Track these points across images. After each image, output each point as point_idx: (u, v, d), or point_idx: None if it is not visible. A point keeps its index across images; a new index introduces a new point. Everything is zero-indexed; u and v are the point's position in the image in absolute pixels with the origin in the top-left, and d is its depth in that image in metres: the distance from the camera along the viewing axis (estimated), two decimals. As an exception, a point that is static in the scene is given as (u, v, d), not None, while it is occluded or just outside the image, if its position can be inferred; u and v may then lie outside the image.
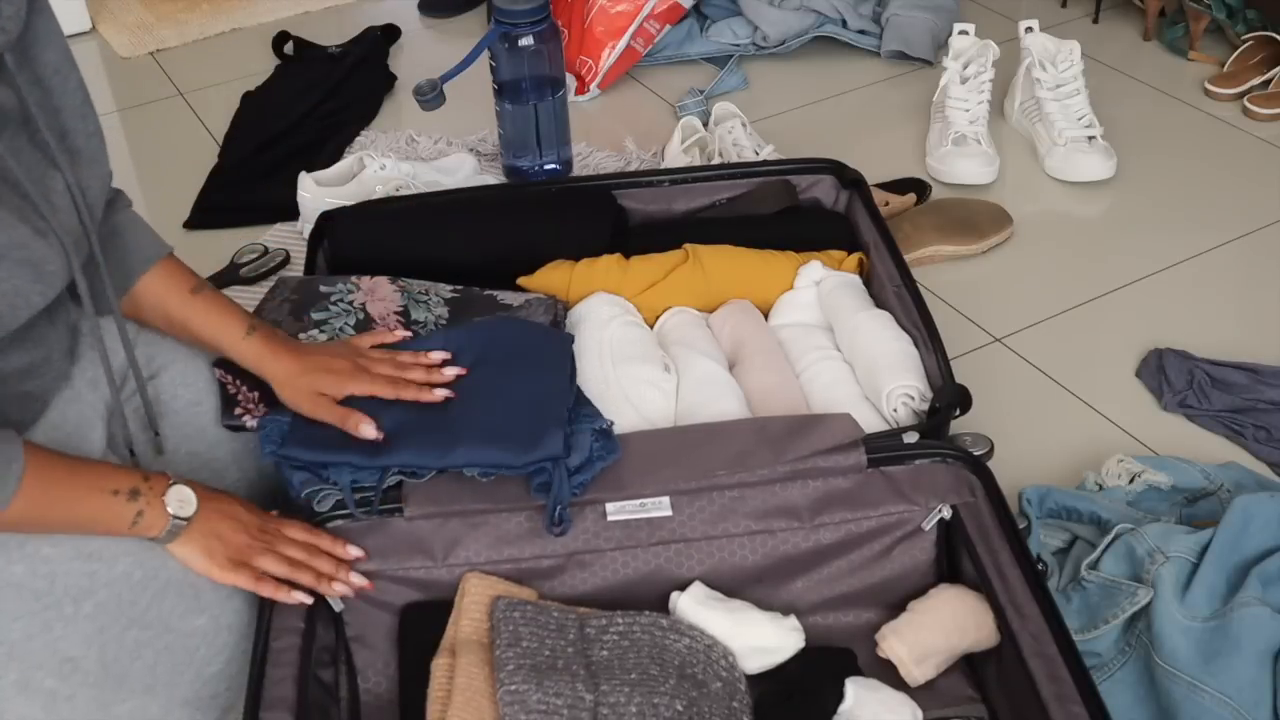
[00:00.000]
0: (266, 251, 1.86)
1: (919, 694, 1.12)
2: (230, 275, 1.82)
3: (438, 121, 2.10)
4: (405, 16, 2.59)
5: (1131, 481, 1.38)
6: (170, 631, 1.03)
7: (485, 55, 1.88)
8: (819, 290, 1.48)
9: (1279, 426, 1.48)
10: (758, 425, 1.22)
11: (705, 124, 2.05)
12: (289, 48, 2.47)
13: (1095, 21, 2.46)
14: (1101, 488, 1.39)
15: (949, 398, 1.27)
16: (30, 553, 0.97)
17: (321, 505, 1.14)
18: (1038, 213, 1.92)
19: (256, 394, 1.20)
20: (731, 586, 1.19)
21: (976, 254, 1.83)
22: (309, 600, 1.08)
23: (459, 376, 1.21)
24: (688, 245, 1.50)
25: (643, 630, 1.11)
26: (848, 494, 1.20)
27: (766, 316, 1.48)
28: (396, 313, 1.34)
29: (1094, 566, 1.23)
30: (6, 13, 0.90)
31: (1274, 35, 2.15)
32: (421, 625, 1.14)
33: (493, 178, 1.98)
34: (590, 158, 2.07)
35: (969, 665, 1.17)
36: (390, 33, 2.49)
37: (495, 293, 1.42)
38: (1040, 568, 1.14)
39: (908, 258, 1.59)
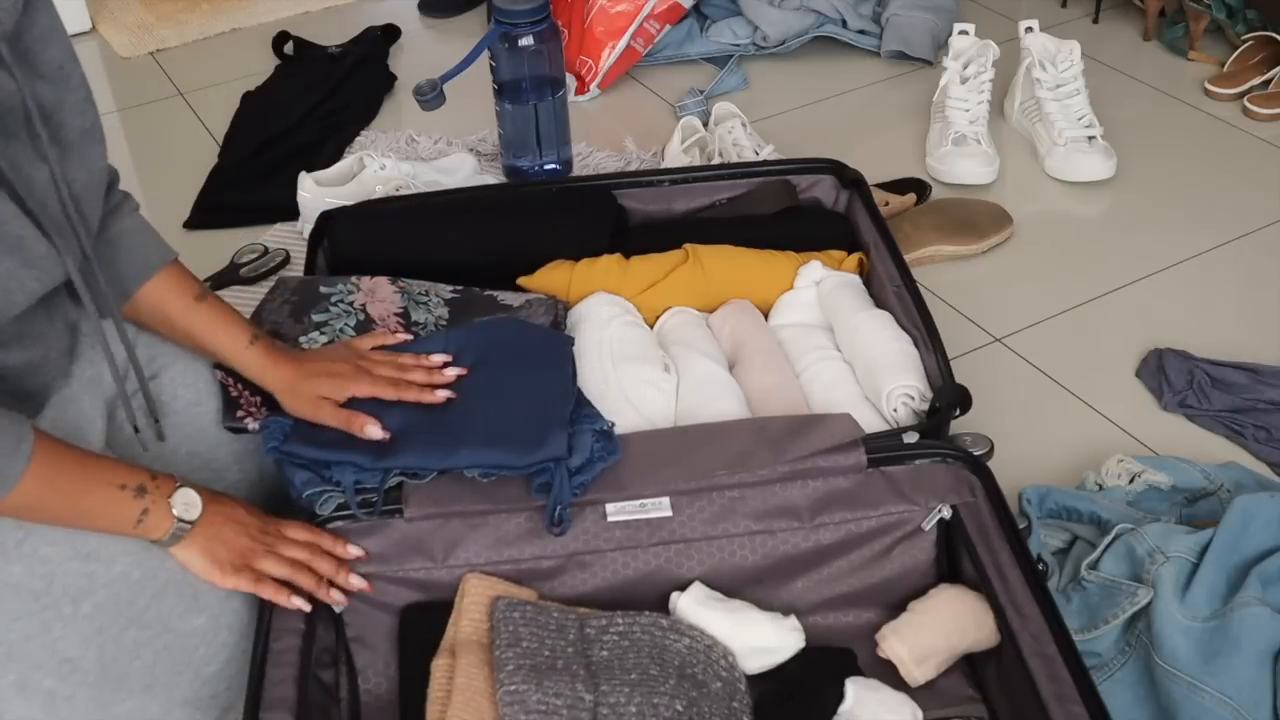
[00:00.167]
0: (266, 251, 1.86)
1: (919, 694, 1.12)
2: (230, 275, 1.82)
3: (438, 121, 2.10)
4: (405, 16, 2.59)
5: (1131, 481, 1.38)
6: (169, 631, 1.03)
7: (485, 55, 1.88)
8: (819, 290, 1.48)
9: (1279, 426, 1.48)
10: (758, 425, 1.22)
11: (705, 124, 2.05)
12: (289, 48, 2.47)
13: (1095, 21, 2.46)
14: (1101, 488, 1.39)
15: (949, 398, 1.27)
16: (28, 553, 0.97)
17: (324, 508, 1.14)
18: (1038, 213, 1.92)
19: (259, 397, 1.20)
20: (731, 587, 1.19)
21: (976, 254, 1.83)
22: (307, 608, 1.08)
23: (460, 377, 1.21)
24: (688, 245, 1.51)
25: (643, 630, 1.11)
26: (848, 494, 1.20)
27: (766, 316, 1.48)
28: (396, 314, 1.34)
29: (1094, 566, 1.23)
30: (3, 3, 0.90)
31: (1274, 35, 2.15)
32: (421, 626, 1.14)
33: (493, 178, 1.98)
34: (590, 158, 2.07)
35: (969, 665, 1.17)
36: (390, 33, 2.49)
37: (495, 293, 1.42)
38: (1040, 568, 1.14)
39: (908, 258, 1.59)
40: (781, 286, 1.49)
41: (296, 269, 1.82)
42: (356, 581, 1.12)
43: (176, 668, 1.03)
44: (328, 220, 1.55)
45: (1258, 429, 1.48)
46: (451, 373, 1.21)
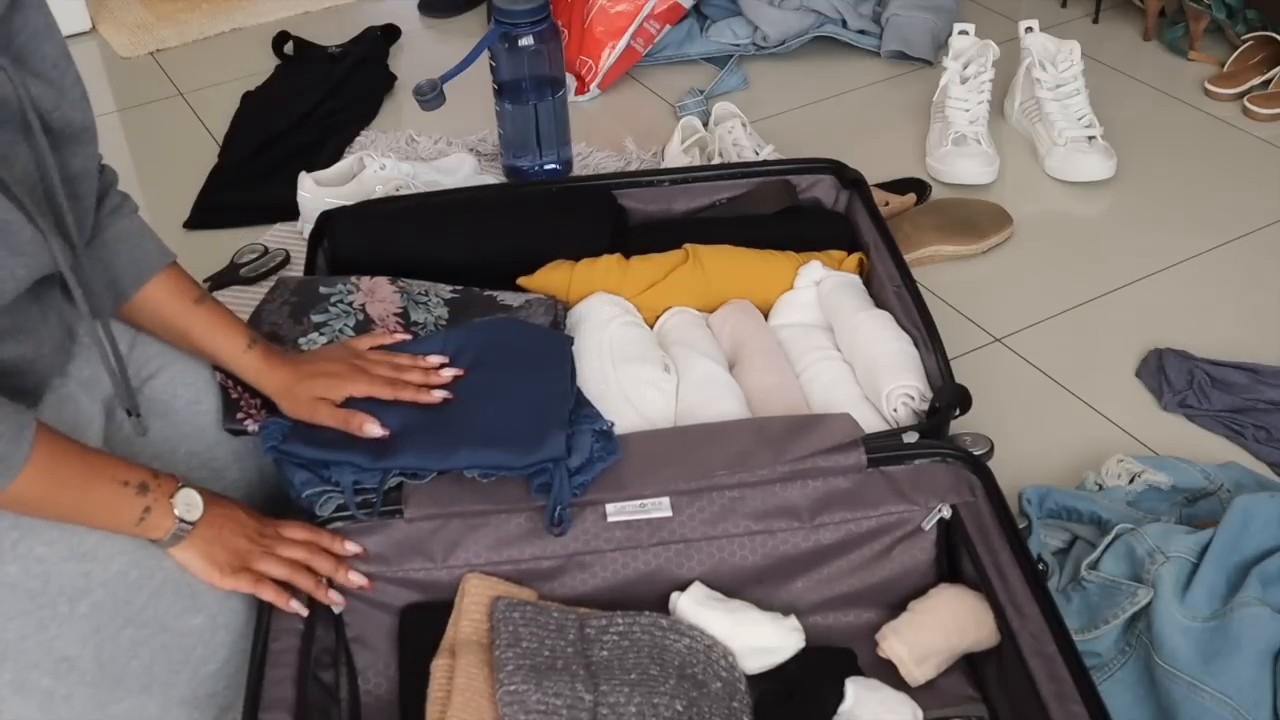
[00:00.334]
0: (266, 251, 1.86)
1: (919, 694, 1.12)
2: (230, 275, 1.82)
3: (438, 121, 2.10)
4: (405, 16, 2.59)
5: (1131, 481, 1.38)
6: (166, 631, 1.03)
7: (485, 55, 1.88)
8: (819, 290, 1.48)
9: (1279, 426, 1.48)
10: (758, 425, 1.22)
11: (705, 124, 2.05)
12: (289, 48, 2.47)
13: (1095, 21, 2.46)
14: (1101, 488, 1.39)
15: (949, 398, 1.27)
16: (24, 553, 0.97)
17: (323, 509, 1.14)
18: (1038, 213, 1.92)
19: (258, 399, 1.20)
20: (731, 586, 1.19)
21: (976, 254, 1.83)
22: (304, 612, 1.08)
23: (456, 378, 1.21)
24: (688, 245, 1.50)
25: (643, 630, 1.11)
26: (848, 494, 1.20)
27: (766, 316, 1.48)
28: (396, 314, 1.34)
29: (1094, 566, 1.23)
30: None
31: (1274, 35, 2.15)
32: (421, 626, 1.14)
33: (493, 178, 1.98)
34: (590, 158, 2.07)
35: (969, 665, 1.17)
36: (390, 33, 2.49)
37: (495, 293, 1.42)
38: (1041, 568, 1.14)
39: (908, 258, 1.59)
40: (781, 286, 1.49)
41: (296, 269, 1.82)
42: (356, 578, 1.13)
43: (174, 667, 1.03)
44: (328, 220, 1.55)
45: (1258, 429, 1.48)
46: (448, 373, 1.21)
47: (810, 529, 1.19)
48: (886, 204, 1.84)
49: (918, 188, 1.92)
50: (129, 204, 1.17)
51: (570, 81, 2.15)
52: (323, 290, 1.36)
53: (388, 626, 1.16)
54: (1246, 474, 1.40)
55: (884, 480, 1.20)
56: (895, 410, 1.30)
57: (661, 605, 1.16)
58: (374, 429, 1.14)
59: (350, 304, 1.34)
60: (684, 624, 1.13)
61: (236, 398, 1.20)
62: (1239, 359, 1.58)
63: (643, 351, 1.36)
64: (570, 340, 1.33)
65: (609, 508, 1.17)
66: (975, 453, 1.21)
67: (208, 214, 1.99)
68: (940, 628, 1.13)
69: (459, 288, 1.42)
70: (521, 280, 1.47)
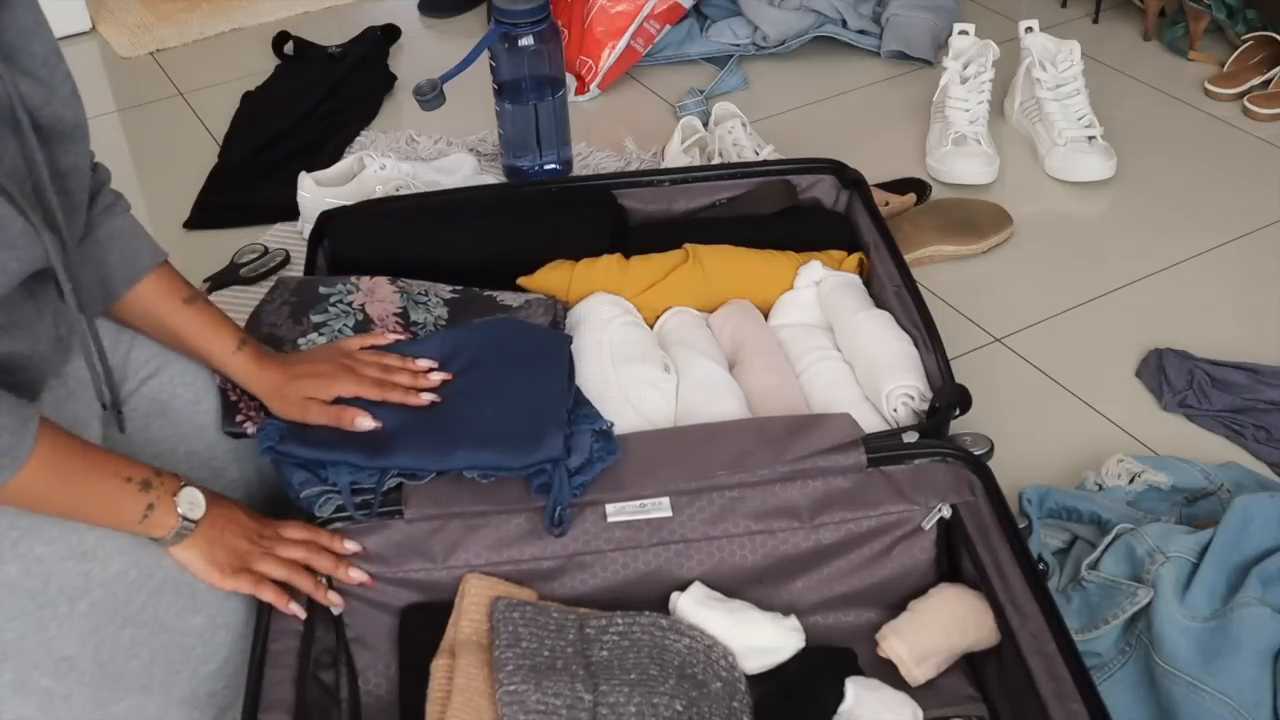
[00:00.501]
0: (266, 251, 1.86)
1: (919, 693, 1.12)
2: (230, 275, 1.82)
3: (438, 121, 2.10)
4: (405, 16, 2.59)
5: (1131, 481, 1.38)
6: (166, 630, 1.03)
7: (485, 55, 1.88)
8: (819, 290, 1.48)
9: (1279, 426, 1.48)
10: (757, 425, 1.22)
11: (705, 124, 2.05)
12: (289, 48, 2.47)
13: (1095, 21, 2.46)
14: (1101, 488, 1.39)
15: (949, 398, 1.27)
16: (24, 552, 0.97)
17: (322, 510, 1.14)
18: (1038, 213, 1.92)
19: (257, 401, 1.20)
20: (731, 586, 1.19)
21: (976, 254, 1.83)
22: (303, 614, 1.08)
23: (445, 382, 1.21)
24: (688, 245, 1.50)
25: (642, 630, 1.11)
26: (848, 494, 1.20)
27: (766, 316, 1.48)
28: (395, 314, 1.34)
29: (1094, 566, 1.23)
30: None
31: (1274, 35, 2.15)
32: (421, 626, 1.14)
33: (493, 178, 1.98)
34: (590, 158, 2.07)
35: (969, 664, 1.17)
36: (390, 33, 2.49)
37: (495, 293, 1.42)
38: (1041, 568, 1.14)
39: (908, 258, 1.59)
40: (781, 286, 1.49)
41: (296, 269, 1.82)
42: (357, 575, 1.13)
43: (174, 667, 1.03)
44: (328, 220, 1.55)
45: (1258, 429, 1.48)
46: (436, 377, 1.21)
47: (810, 529, 1.19)
48: (886, 204, 1.84)
49: (918, 188, 1.92)
50: (121, 202, 1.16)
51: (570, 81, 2.15)
52: (322, 290, 1.36)
53: (388, 627, 1.16)
54: (1246, 474, 1.40)
55: (884, 480, 1.20)
56: (895, 410, 1.30)
57: (661, 605, 1.16)
58: (365, 422, 1.14)
59: (350, 304, 1.34)
60: (684, 624, 1.13)
61: (236, 400, 1.20)
62: (1239, 359, 1.58)
63: (643, 351, 1.36)
64: (569, 339, 1.33)
65: (609, 508, 1.17)
66: (975, 452, 1.21)
67: (208, 214, 1.99)
68: (940, 627, 1.13)
69: (459, 288, 1.42)
70: (521, 280, 1.47)
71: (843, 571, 1.21)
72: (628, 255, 1.50)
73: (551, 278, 1.47)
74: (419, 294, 1.38)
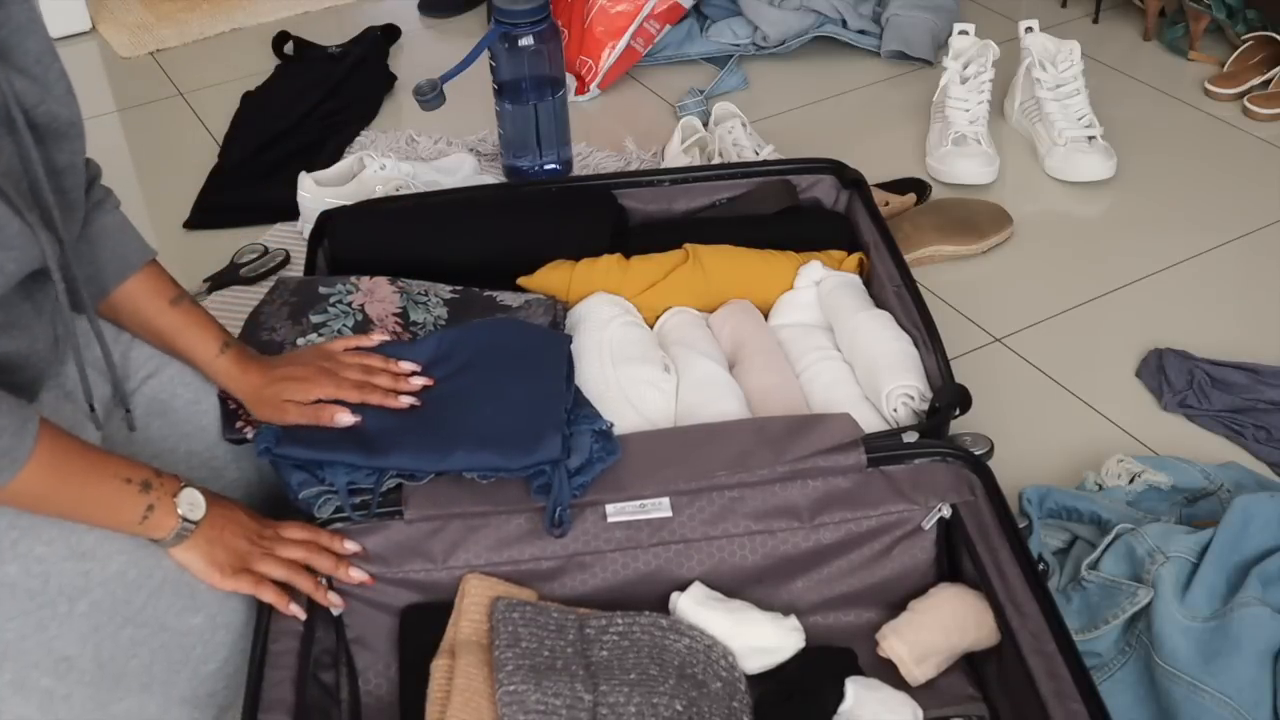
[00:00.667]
0: (266, 251, 1.86)
1: (919, 693, 1.12)
2: (230, 275, 1.82)
3: (438, 121, 2.10)
4: (405, 16, 2.59)
5: (1131, 481, 1.38)
6: (166, 630, 1.03)
7: (485, 55, 1.88)
8: (819, 290, 1.48)
9: (1279, 426, 1.47)
10: (757, 425, 1.22)
11: (705, 124, 2.05)
12: (289, 48, 2.47)
13: (1095, 21, 2.46)
14: (1101, 488, 1.39)
15: (949, 397, 1.27)
16: (23, 552, 0.97)
17: (322, 511, 1.14)
18: (1038, 213, 1.92)
19: None
20: (731, 586, 1.19)
21: (976, 254, 1.83)
22: (303, 615, 1.08)
23: (427, 387, 1.20)
24: (688, 245, 1.50)
25: (642, 630, 1.11)
26: (848, 494, 1.20)
27: (766, 316, 1.48)
28: (395, 314, 1.34)
29: (1094, 566, 1.23)
30: None
31: (1274, 35, 2.15)
32: (421, 627, 1.14)
33: (493, 178, 1.98)
34: (590, 158, 2.07)
35: (969, 664, 1.17)
36: (390, 33, 2.49)
37: (495, 293, 1.41)
38: (1041, 568, 1.14)
39: (908, 258, 1.59)
40: (781, 286, 1.49)
41: (296, 269, 1.82)
42: (357, 574, 1.13)
43: (174, 666, 1.03)
44: (327, 220, 1.55)
45: (1258, 429, 1.48)
46: (418, 382, 1.20)
47: (810, 529, 1.19)
48: (886, 204, 1.84)
49: (918, 188, 1.92)
50: (111, 198, 1.16)
51: (570, 81, 2.15)
52: (322, 290, 1.36)
53: (388, 627, 1.16)
54: (1246, 474, 1.40)
55: (884, 480, 1.20)
56: (895, 410, 1.30)
57: (661, 605, 1.16)
58: (345, 418, 1.14)
59: (349, 304, 1.34)
60: (684, 624, 1.13)
61: (235, 408, 1.20)
62: (1239, 359, 1.58)
63: (643, 351, 1.36)
64: (568, 340, 1.33)
65: (609, 508, 1.17)
66: (975, 452, 1.21)
67: (208, 214, 1.99)
68: (940, 627, 1.13)
69: (459, 288, 1.42)
70: (521, 280, 1.47)
71: (843, 571, 1.21)
72: (628, 255, 1.50)
73: (551, 278, 1.47)
74: (419, 294, 1.38)
